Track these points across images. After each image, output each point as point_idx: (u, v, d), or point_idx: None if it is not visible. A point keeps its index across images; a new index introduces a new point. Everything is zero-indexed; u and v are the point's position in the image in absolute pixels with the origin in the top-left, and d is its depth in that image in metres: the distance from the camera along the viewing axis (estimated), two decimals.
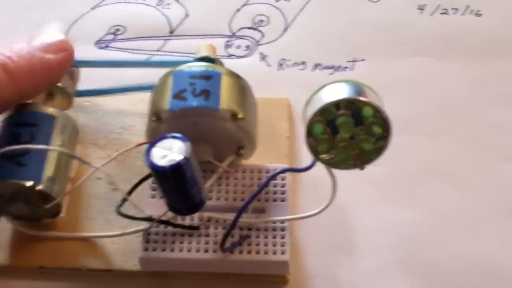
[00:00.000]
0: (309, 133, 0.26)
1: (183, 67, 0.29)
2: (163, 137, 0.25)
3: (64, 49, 0.29)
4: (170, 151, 0.24)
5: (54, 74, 0.29)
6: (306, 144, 0.26)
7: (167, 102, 0.28)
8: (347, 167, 0.27)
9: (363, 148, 0.26)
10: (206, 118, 0.28)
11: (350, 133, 0.26)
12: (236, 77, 0.30)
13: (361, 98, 0.25)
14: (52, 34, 0.30)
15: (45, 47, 0.29)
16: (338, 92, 0.26)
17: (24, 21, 0.40)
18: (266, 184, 0.28)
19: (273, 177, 0.28)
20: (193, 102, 0.28)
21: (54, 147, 0.28)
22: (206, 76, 0.28)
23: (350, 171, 0.27)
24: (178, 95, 0.28)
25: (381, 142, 0.26)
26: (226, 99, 0.28)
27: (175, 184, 0.25)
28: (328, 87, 0.26)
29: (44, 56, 0.29)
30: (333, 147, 0.26)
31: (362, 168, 0.27)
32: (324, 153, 0.26)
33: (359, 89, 0.26)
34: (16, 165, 0.27)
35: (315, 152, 0.26)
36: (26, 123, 0.29)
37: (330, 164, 0.27)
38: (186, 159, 0.24)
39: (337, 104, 0.25)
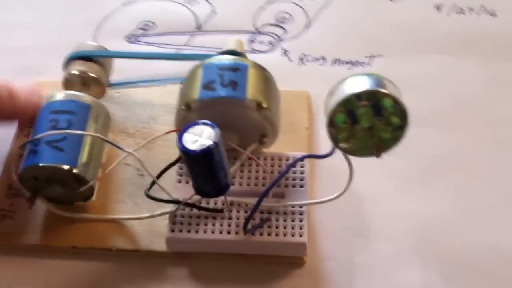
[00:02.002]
0: (331, 122, 0.27)
1: (212, 60, 0.31)
2: (194, 124, 0.26)
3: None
4: (201, 136, 0.26)
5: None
6: (327, 132, 0.28)
7: (197, 92, 0.30)
8: (365, 154, 0.28)
9: (381, 137, 0.28)
10: (233, 107, 0.30)
11: (370, 123, 0.27)
12: (261, 69, 0.31)
13: (382, 90, 0.26)
14: None
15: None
16: (359, 84, 0.27)
17: (56, 15, 0.42)
18: (288, 170, 0.29)
19: (295, 162, 0.29)
20: (222, 92, 0.29)
21: (92, 133, 0.30)
22: (234, 68, 0.30)
23: (368, 162, 0.28)
24: (207, 86, 0.30)
25: (399, 131, 0.27)
26: (252, 90, 0.30)
27: (204, 167, 0.26)
28: (350, 80, 0.28)
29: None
30: (352, 136, 0.28)
31: (378, 156, 0.28)
32: (343, 142, 0.28)
33: (379, 81, 0.27)
34: (55, 149, 0.29)
35: (335, 141, 0.28)
36: (64, 111, 0.30)
37: (349, 152, 0.28)
38: (215, 144, 0.25)
39: (359, 95, 0.27)
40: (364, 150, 0.28)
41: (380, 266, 0.31)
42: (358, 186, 0.30)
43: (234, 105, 0.30)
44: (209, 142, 0.26)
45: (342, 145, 0.28)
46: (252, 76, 0.30)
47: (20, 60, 0.40)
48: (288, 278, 0.31)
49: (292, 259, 0.31)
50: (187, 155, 0.26)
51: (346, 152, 0.28)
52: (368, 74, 0.27)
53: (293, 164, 0.29)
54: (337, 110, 0.27)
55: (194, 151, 0.25)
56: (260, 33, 0.41)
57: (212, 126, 0.26)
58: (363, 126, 0.27)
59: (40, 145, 0.29)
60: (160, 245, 0.31)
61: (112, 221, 0.32)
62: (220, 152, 0.26)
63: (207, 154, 0.26)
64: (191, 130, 0.26)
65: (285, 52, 0.40)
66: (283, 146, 0.33)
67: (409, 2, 0.42)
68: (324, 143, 0.35)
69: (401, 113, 0.27)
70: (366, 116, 0.27)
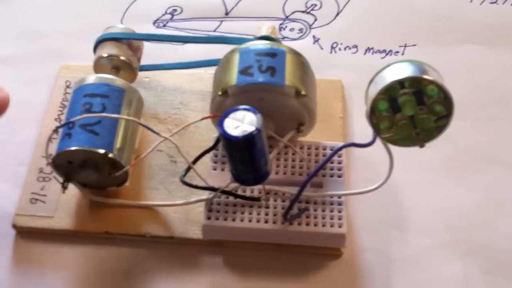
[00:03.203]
0: (373, 110, 0.27)
1: (249, 45, 0.30)
2: (235, 109, 0.26)
3: None
4: (242, 122, 0.25)
5: None
6: (368, 121, 0.27)
7: (233, 78, 0.29)
8: (407, 144, 0.27)
9: (424, 127, 0.27)
10: (271, 94, 0.29)
11: (413, 111, 0.26)
12: (298, 55, 0.31)
13: (426, 77, 0.26)
14: None
15: None
16: (402, 71, 0.26)
17: (84, 0, 0.41)
18: (330, 158, 0.29)
19: (338, 151, 0.29)
20: (260, 78, 0.29)
21: (129, 117, 0.30)
22: (272, 54, 0.30)
23: (404, 153, 0.28)
24: (244, 71, 0.29)
25: (443, 121, 0.27)
26: (290, 76, 0.29)
27: (246, 154, 0.26)
28: (391, 67, 0.27)
29: None
30: (393, 125, 0.27)
31: (422, 146, 0.27)
32: (385, 131, 0.27)
33: (423, 68, 0.26)
34: (90, 133, 0.28)
35: (377, 130, 0.27)
36: (98, 94, 0.30)
37: (390, 141, 0.28)
38: (258, 130, 0.25)
39: (401, 82, 0.26)
40: (406, 139, 0.27)
41: (417, 258, 0.31)
42: (394, 177, 0.30)
43: (273, 91, 0.29)
44: (251, 128, 0.25)
45: (384, 134, 0.27)
46: (289, 62, 0.30)
47: (46, 44, 0.39)
48: (324, 269, 0.30)
49: (329, 250, 0.30)
50: (228, 141, 0.25)
51: (388, 141, 0.28)
52: (410, 61, 0.27)
53: (337, 151, 0.29)
54: (379, 98, 0.27)
55: (236, 137, 0.25)
56: (290, 20, 0.40)
57: (254, 112, 0.26)
58: (405, 115, 0.27)
59: (75, 129, 0.29)
60: (194, 233, 0.30)
61: (145, 207, 0.31)
62: (262, 139, 0.26)
63: (249, 140, 0.25)
64: (233, 115, 0.26)
65: (316, 40, 0.39)
66: (317, 135, 0.32)
67: None
68: (358, 132, 0.35)
69: (446, 101, 0.27)
70: (409, 104, 0.27)
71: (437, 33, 0.39)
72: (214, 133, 0.32)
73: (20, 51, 0.39)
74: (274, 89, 0.29)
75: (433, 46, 0.39)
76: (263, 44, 0.30)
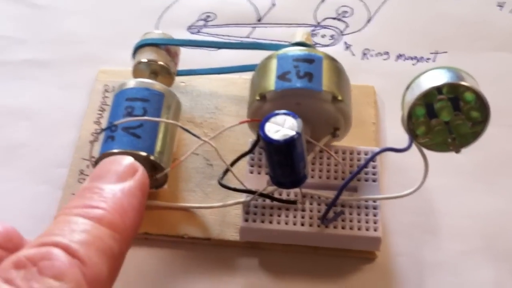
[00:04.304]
0: (410, 115, 0.27)
1: (286, 51, 0.31)
2: (276, 114, 0.26)
3: (135, 169, 0.25)
4: (283, 126, 0.26)
5: (141, 200, 0.25)
6: (404, 126, 0.28)
7: (272, 83, 0.30)
8: (443, 149, 0.28)
9: (460, 132, 0.27)
10: (308, 99, 0.30)
11: (450, 117, 0.27)
12: (334, 61, 0.31)
13: (464, 83, 0.26)
14: (116, 160, 0.26)
15: (121, 176, 0.25)
16: (439, 77, 0.27)
17: (119, 7, 0.42)
18: (367, 163, 0.29)
19: (375, 156, 0.29)
20: (298, 83, 0.29)
21: (171, 120, 0.30)
22: (309, 60, 0.30)
23: (437, 158, 0.28)
24: (282, 77, 0.30)
25: (478, 127, 0.27)
26: (327, 81, 0.30)
27: (286, 157, 0.26)
28: (428, 73, 0.27)
29: (127, 188, 0.24)
30: (429, 131, 0.28)
31: (457, 151, 0.28)
32: (421, 136, 0.28)
33: (460, 74, 0.27)
34: (133, 136, 0.29)
35: (413, 135, 0.28)
36: (139, 98, 0.31)
37: (426, 146, 0.28)
38: (298, 134, 0.25)
39: (439, 88, 0.27)
40: (442, 145, 0.28)
41: (450, 264, 0.31)
42: (427, 182, 0.30)
43: (310, 96, 0.30)
44: (292, 132, 0.26)
45: (420, 139, 0.28)
46: (326, 68, 0.30)
47: (83, 49, 0.40)
48: (358, 273, 0.31)
49: (363, 254, 0.31)
50: (269, 145, 0.26)
51: (424, 147, 0.28)
52: (447, 67, 0.27)
53: (374, 156, 0.29)
54: (416, 103, 0.27)
55: (277, 141, 0.25)
56: (321, 26, 0.41)
57: (294, 116, 0.26)
58: (441, 121, 0.27)
59: (117, 132, 0.29)
60: (231, 235, 0.31)
61: (183, 209, 0.32)
62: (302, 143, 0.26)
63: (290, 144, 0.26)
64: (273, 119, 0.26)
65: (348, 47, 0.40)
66: (351, 140, 0.33)
67: None
68: (390, 138, 0.36)
69: (482, 107, 0.27)
70: (446, 110, 0.27)
71: (468, 40, 0.40)
72: (250, 137, 0.33)
73: (58, 56, 0.40)
74: (311, 94, 0.30)
75: (464, 53, 0.39)
76: (300, 50, 0.31)
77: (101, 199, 0.23)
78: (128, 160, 0.26)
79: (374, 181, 0.31)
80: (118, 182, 0.24)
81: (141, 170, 0.25)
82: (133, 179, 0.25)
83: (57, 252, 0.20)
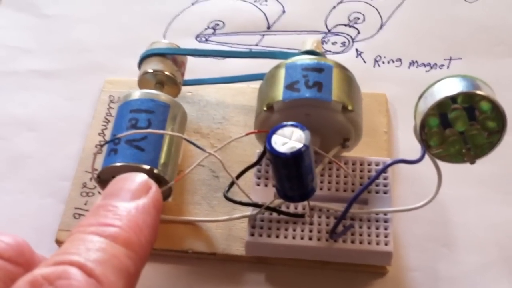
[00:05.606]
0: (423, 126, 0.26)
1: (295, 59, 0.30)
2: (283, 125, 0.25)
3: (149, 186, 0.25)
4: (290, 139, 0.25)
5: (156, 218, 0.24)
6: (417, 137, 0.26)
7: (279, 93, 0.29)
8: (457, 161, 0.27)
9: (476, 143, 0.26)
10: (318, 109, 0.29)
11: (465, 127, 0.26)
12: (344, 70, 0.30)
13: (479, 92, 0.25)
14: (129, 177, 0.25)
15: (135, 194, 0.24)
16: (454, 86, 0.26)
17: (127, 15, 0.42)
18: (379, 175, 0.28)
19: (386, 168, 0.28)
20: (306, 93, 0.28)
21: (175, 133, 0.30)
22: (319, 69, 0.29)
23: (452, 168, 0.27)
24: (291, 86, 0.29)
25: (494, 136, 0.26)
26: (337, 91, 0.29)
27: (293, 170, 0.25)
28: (442, 82, 0.26)
29: (141, 206, 0.24)
30: (443, 141, 0.27)
31: (472, 162, 0.27)
32: (434, 147, 0.27)
33: (475, 83, 0.26)
34: (136, 149, 0.28)
35: (427, 146, 0.27)
36: (143, 109, 0.30)
37: (440, 157, 0.27)
38: (306, 146, 0.25)
39: (453, 98, 0.26)
40: (456, 156, 0.27)
41: (466, 278, 0.30)
42: (441, 193, 0.29)
43: (319, 107, 0.29)
44: (299, 145, 0.25)
45: (433, 150, 0.27)
46: (336, 77, 0.29)
47: (89, 58, 0.40)
48: None
49: (374, 268, 0.30)
50: (276, 158, 0.25)
51: (437, 158, 0.27)
52: (462, 76, 0.26)
53: (386, 168, 0.28)
54: (430, 113, 0.26)
55: (284, 154, 0.25)
56: (332, 33, 0.40)
57: (302, 128, 0.25)
58: (455, 131, 0.26)
59: (121, 144, 0.29)
60: (237, 249, 0.30)
61: (188, 222, 0.31)
62: (310, 156, 0.25)
63: (297, 157, 0.25)
64: (280, 131, 0.25)
65: (359, 54, 0.39)
66: (362, 150, 0.32)
67: (484, 2, 0.41)
68: (402, 147, 0.35)
69: (499, 116, 0.26)
70: (461, 120, 0.26)
71: (483, 46, 0.39)
72: (257, 148, 0.32)
73: (65, 66, 0.39)
74: (321, 104, 0.28)
75: (479, 60, 0.38)
76: (309, 59, 0.30)
77: (116, 217, 0.23)
78: (142, 177, 0.25)
79: (385, 193, 0.30)
80: (132, 200, 0.24)
81: (154, 187, 0.25)
82: (147, 196, 0.25)
83: (74, 271, 0.20)
